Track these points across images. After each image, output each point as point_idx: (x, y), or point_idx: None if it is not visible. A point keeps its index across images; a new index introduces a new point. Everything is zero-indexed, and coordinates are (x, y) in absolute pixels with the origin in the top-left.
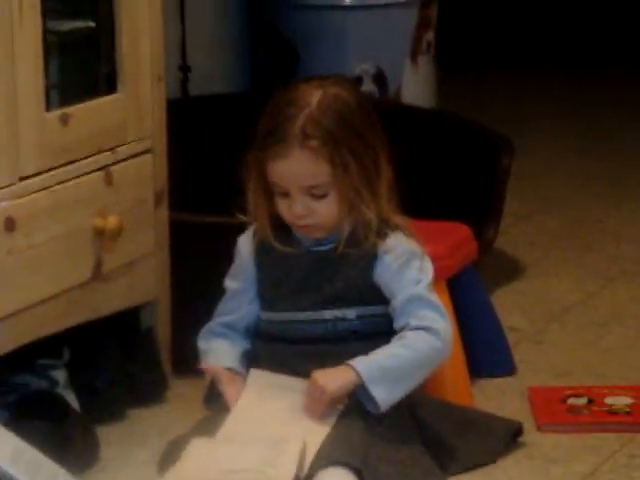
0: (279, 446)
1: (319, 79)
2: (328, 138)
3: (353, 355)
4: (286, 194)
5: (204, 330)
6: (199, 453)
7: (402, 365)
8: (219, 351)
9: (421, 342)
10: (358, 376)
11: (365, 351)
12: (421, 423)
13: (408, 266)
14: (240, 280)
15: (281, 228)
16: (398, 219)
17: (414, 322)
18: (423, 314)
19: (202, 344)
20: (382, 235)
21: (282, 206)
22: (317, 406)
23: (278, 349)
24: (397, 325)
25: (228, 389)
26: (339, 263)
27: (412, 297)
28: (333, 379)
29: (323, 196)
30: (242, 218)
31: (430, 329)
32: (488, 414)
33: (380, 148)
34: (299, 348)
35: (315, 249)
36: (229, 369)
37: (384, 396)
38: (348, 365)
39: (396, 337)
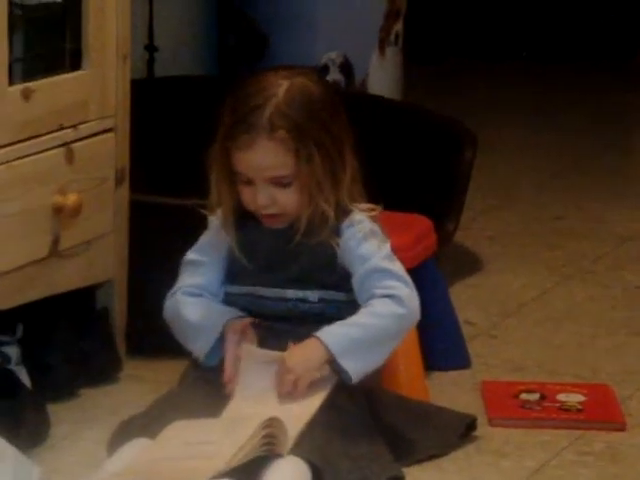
0: (243, 422)
1: (286, 69)
2: (294, 130)
3: None
4: (250, 182)
5: (171, 297)
6: (174, 430)
7: (369, 334)
8: (213, 305)
9: (386, 310)
10: (327, 351)
11: None
12: (378, 415)
13: (368, 239)
14: (208, 254)
15: (245, 215)
16: (363, 206)
17: (378, 292)
18: (386, 284)
19: (178, 304)
20: (345, 213)
21: (246, 195)
22: (287, 388)
23: None
24: (361, 299)
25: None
26: (305, 242)
27: (373, 270)
28: (301, 361)
29: (287, 185)
30: (202, 211)
31: (393, 296)
32: (443, 408)
33: (345, 140)
34: (261, 323)
35: (281, 230)
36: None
37: (356, 368)
38: (316, 339)
39: (362, 307)
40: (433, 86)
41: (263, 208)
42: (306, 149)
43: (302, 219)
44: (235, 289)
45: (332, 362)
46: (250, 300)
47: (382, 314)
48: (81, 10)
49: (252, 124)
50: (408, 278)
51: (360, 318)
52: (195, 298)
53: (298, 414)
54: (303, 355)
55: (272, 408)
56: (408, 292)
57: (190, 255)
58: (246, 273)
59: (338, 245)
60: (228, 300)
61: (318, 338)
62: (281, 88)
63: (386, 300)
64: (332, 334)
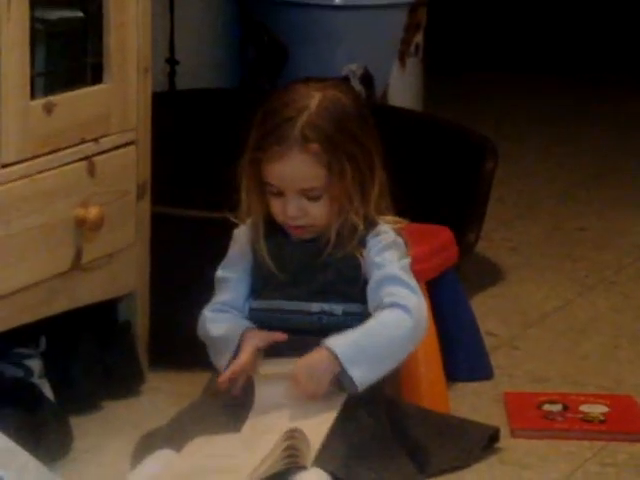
0: (264, 434)
1: (317, 81)
2: (326, 142)
3: None
4: (280, 194)
5: (201, 315)
6: (196, 445)
7: (377, 342)
8: (237, 321)
9: (393, 319)
10: (336, 359)
11: None
12: (400, 426)
13: (389, 249)
14: (235, 270)
15: (273, 226)
16: (389, 219)
17: (386, 300)
18: (394, 291)
19: (208, 321)
20: (372, 225)
21: (275, 206)
22: (303, 405)
23: None
24: (370, 306)
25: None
26: (332, 254)
27: (386, 276)
28: (312, 376)
29: (317, 198)
30: (231, 218)
31: (399, 305)
32: (465, 419)
33: (375, 152)
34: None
35: (309, 242)
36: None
37: (361, 377)
38: (325, 349)
39: (371, 318)
40: (452, 97)
41: (292, 219)
42: (338, 162)
43: (332, 231)
44: (258, 304)
45: (339, 372)
46: (273, 315)
47: (390, 324)
48: (102, 24)
49: (283, 136)
50: (419, 290)
51: (367, 327)
52: (220, 314)
53: (314, 427)
54: (313, 370)
55: (289, 422)
56: (416, 301)
57: (219, 272)
58: (269, 287)
59: (362, 256)
60: (252, 316)
61: (327, 347)
62: (313, 100)
63: (394, 310)
64: (340, 343)
